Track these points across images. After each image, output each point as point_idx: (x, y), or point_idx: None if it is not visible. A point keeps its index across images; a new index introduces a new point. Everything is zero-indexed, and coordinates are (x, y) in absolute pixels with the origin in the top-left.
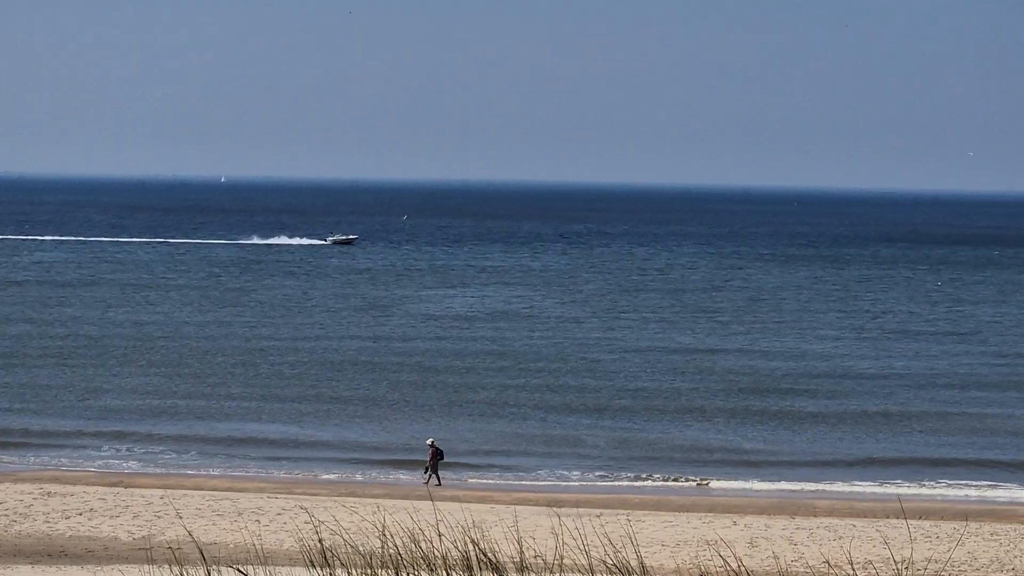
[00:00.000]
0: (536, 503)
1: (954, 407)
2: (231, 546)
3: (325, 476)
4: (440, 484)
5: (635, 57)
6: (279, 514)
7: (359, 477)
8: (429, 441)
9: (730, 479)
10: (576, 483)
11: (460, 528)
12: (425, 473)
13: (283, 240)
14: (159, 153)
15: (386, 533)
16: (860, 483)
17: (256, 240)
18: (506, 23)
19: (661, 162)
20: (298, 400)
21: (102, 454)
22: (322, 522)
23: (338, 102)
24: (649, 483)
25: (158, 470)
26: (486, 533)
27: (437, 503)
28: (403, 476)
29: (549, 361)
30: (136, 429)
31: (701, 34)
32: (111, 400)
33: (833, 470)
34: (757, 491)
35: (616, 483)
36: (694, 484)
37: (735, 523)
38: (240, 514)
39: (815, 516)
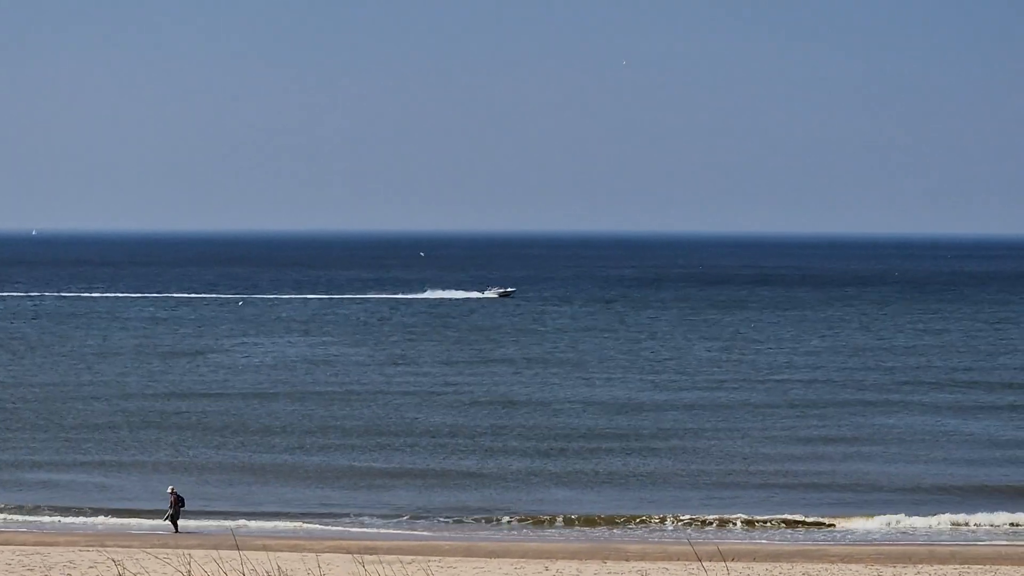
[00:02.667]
0: (348, 550)
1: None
2: None
3: (136, 527)
4: (177, 532)
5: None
6: (91, 567)
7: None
8: (169, 489)
9: (541, 525)
10: (390, 530)
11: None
12: (165, 520)
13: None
14: None
15: None
16: (670, 526)
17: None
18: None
19: (497, 209)
20: (109, 448)
21: None
22: (134, 574)
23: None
24: (460, 528)
25: None
26: None
27: (245, 552)
28: (211, 524)
29: (356, 404)
30: None
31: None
32: None
33: (643, 511)
34: (571, 535)
35: (425, 531)
36: (511, 526)
37: (547, 568)
38: (51, 568)
39: (627, 560)
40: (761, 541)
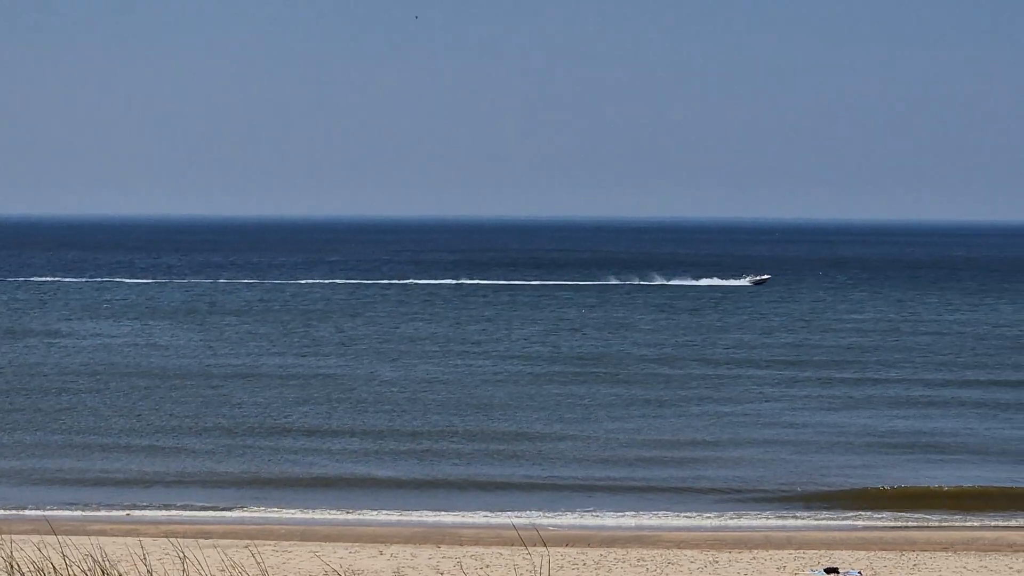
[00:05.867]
0: (184, 535)
1: (573, 429)
2: None
3: None
4: None
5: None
6: None
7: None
8: None
9: (380, 509)
10: (231, 513)
11: (91, 560)
12: None
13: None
14: None
15: (13, 566)
16: (505, 514)
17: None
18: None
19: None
20: None
21: None
22: None
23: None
24: (294, 512)
25: None
26: (116, 566)
27: (72, 537)
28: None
29: (180, 387)
30: None
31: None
32: None
33: (477, 500)
34: (405, 521)
35: (264, 513)
36: (345, 512)
37: (381, 552)
38: None
39: (461, 545)
40: (598, 526)
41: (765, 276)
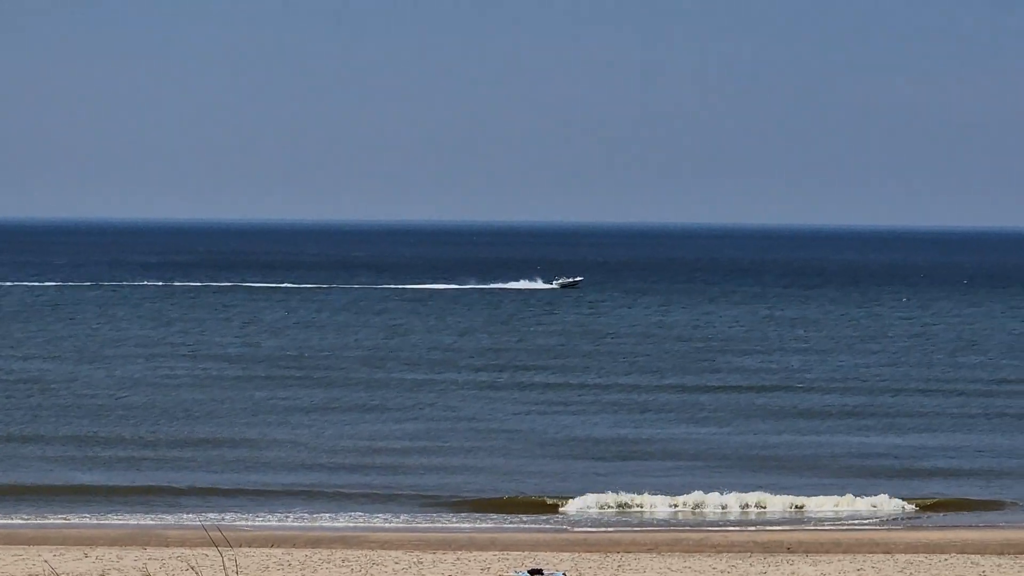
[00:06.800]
0: None
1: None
2: None
3: None
4: None
5: None
6: None
7: None
8: None
9: (86, 513)
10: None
11: None
12: None
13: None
14: None
15: None
16: (210, 516)
17: None
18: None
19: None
20: None
21: None
22: None
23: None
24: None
25: None
26: None
27: None
28: None
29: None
30: None
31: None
32: None
33: (182, 503)
34: (110, 524)
35: None
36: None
37: (86, 555)
38: None
39: (167, 547)
40: (303, 527)
41: (577, 279)
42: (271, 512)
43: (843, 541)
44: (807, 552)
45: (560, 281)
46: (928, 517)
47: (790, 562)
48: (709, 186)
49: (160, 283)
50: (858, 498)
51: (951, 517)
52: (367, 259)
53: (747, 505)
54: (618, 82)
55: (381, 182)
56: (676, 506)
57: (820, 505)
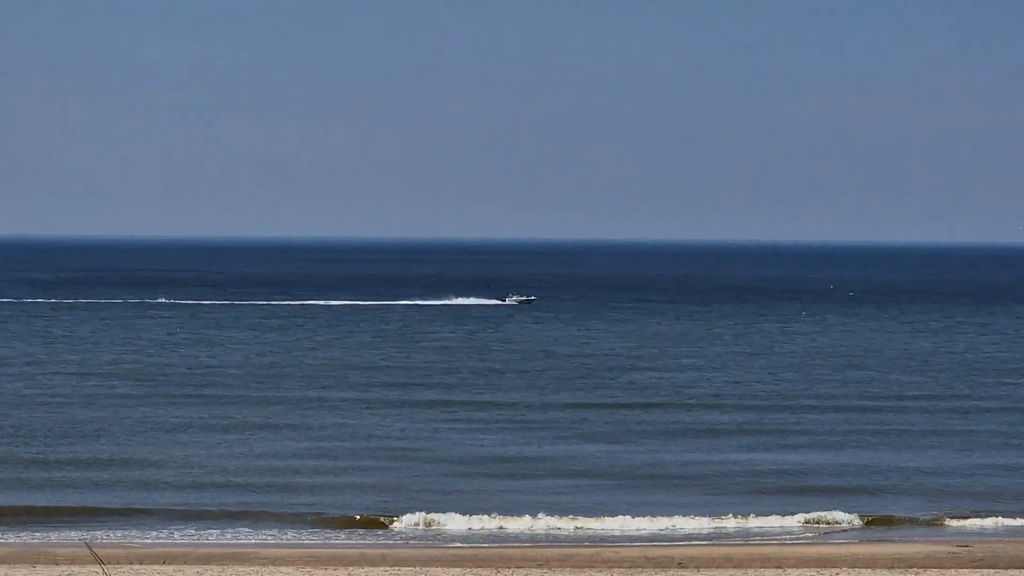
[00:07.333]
0: None
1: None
2: None
3: None
4: None
5: None
6: None
7: None
8: None
9: None
10: None
11: None
12: None
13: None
14: None
15: None
16: (98, 534)
17: None
18: None
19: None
20: None
21: None
22: None
23: None
24: None
25: None
26: None
27: None
28: None
29: None
30: None
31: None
32: None
33: (71, 522)
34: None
35: None
36: None
37: None
38: None
39: (57, 564)
40: (193, 544)
41: (532, 297)
42: (161, 530)
43: (734, 556)
44: (698, 568)
45: (516, 298)
46: (818, 533)
47: None
48: (602, 204)
49: (51, 300)
50: (750, 516)
51: (841, 533)
52: (266, 276)
53: (640, 523)
54: (539, 100)
55: (331, 199)
56: (566, 523)
57: (715, 521)
